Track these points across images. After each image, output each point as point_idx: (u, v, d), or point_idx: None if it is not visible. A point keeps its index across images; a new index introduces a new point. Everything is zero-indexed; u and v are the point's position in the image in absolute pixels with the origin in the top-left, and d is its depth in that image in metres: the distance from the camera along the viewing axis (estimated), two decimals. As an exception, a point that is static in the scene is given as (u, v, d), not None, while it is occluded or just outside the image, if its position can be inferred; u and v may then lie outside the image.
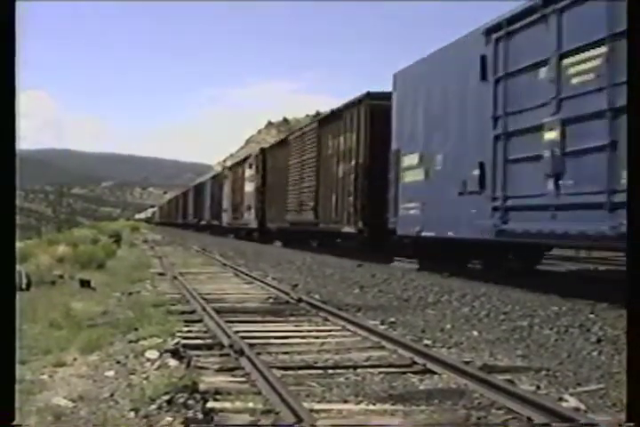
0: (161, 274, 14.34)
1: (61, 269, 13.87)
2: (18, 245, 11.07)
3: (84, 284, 11.34)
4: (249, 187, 32.56)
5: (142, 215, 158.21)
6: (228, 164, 59.14)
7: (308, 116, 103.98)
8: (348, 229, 17.61)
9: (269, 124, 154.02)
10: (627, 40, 3.80)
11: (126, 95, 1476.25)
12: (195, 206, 57.18)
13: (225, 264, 17.10)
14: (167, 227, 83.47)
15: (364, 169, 16.77)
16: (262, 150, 31.57)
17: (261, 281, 12.39)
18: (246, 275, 13.78)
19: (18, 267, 10.23)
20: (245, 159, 35.25)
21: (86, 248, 17.96)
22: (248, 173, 33.19)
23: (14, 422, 3.20)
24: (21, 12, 3.36)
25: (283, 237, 27.53)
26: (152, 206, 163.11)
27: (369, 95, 16.97)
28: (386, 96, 15.54)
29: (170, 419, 4.09)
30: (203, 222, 49.67)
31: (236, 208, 35.69)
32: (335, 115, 19.67)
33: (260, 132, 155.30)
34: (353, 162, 17.52)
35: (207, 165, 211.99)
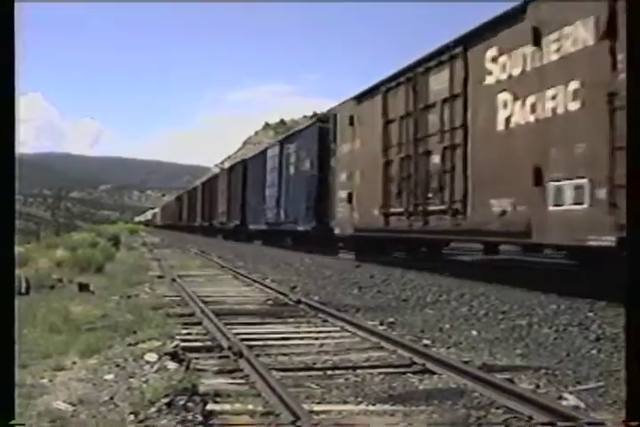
0: (160, 277, 14.33)
1: (60, 272, 13.86)
2: (17, 249, 11.07)
3: (83, 287, 11.33)
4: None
5: (141, 218, 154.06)
6: (226, 165, 58.34)
7: (305, 117, 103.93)
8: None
9: (266, 125, 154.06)
10: (626, 40, 3.79)
11: (123, 98, 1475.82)
12: (204, 206, 48.76)
13: (223, 266, 17.11)
14: (170, 230, 74.36)
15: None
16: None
17: (260, 283, 12.40)
18: (245, 277, 13.79)
19: (17, 271, 10.23)
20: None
21: (85, 252, 17.93)
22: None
23: (14, 422, 3.20)
24: (21, 12, 3.37)
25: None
26: (152, 208, 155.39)
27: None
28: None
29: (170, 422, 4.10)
30: (218, 225, 40.90)
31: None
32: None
33: (257, 133, 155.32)
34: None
35: (205, 168, 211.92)
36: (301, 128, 23.94)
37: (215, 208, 41.94)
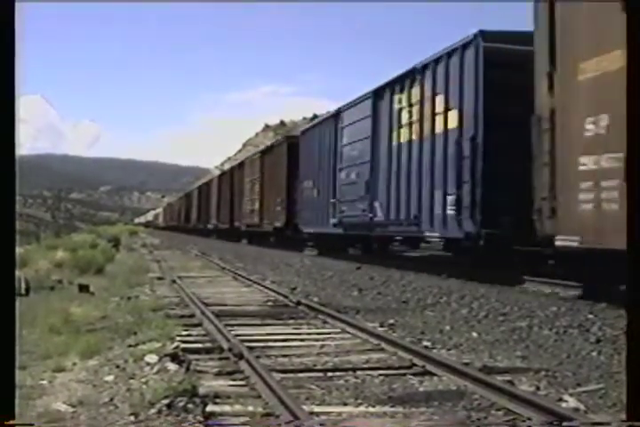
0: (160, 278, 14.33)
1: (60, 274, 13.86)
2: (17, 250, 11.06)
3: (83, 289, 11.33)
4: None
5: (142, 219, 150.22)
6: (226, 167, 57.51)
7: (305, 118, 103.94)
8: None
9: (266, 127, 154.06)
10: (626, 41, 3.79)
11: (124, 100, 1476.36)
12: (221, 205, 39.57)
13: (224, 268, 17.11)
14: (174, 232, 66.34)
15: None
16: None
17: (260, 284, 12.39)
18: (245, 278, 13.78)
19: (17, 272, 10.22)
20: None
21: (85, 253, 17.93)
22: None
23: (14, 422, 3.20)
24: (22, 13, 3.38)
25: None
26: (153, 209, 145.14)
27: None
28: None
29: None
30: (244, 227, 32.27)
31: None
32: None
33: (257, 135, 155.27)
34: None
35: (205, 169, 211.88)
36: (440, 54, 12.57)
37: (239, 205, 33.22)
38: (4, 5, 3.28)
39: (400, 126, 14.11)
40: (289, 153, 24.18)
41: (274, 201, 25.77)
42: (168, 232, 70.07)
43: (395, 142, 14.40)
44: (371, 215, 15.47)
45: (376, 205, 15.28)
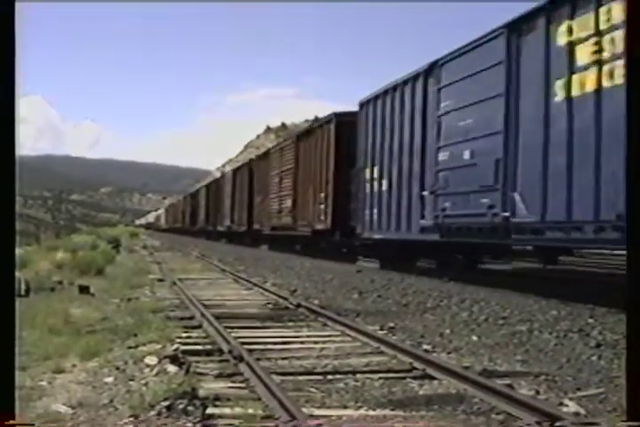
0: (160, 280, 14.33)
1: (60, 275, 13.85)
2: (17, 251, 11.06)
3: (83, 290, 11.33)
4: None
5: (142, 221, 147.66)
6: (227, 169, 56.86)
7: (307, 121, 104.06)
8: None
9: (268, 129, 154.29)
10: (625, 42, 3.79)
11: (125, 101, 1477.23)
12: (235, 204, 34.10)
13: (224, 270, 17.10)
14: (177, 235, 61.99)
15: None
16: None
17: (260, 287, 12.39)
18: (246, 280, 13.78)
19: (17, 273, 10.22)
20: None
21: (85, 254, 17.95)
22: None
23: (14, 423, 3.19)
24: (22, 13, 3.38)
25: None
26: (156, 210, 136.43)
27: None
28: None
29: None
30: (267, 230, 27.22)
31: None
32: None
33: (258, 137, 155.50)
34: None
35: (206, 171, 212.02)
36: None
37: (262, 204, 27.64)
38: (3, 5, 3.29)
39: (572, 71, 9.05)
40: (338, 135, 18.76)
41: (314, 198, 20.29)
42: (172, 235, 67.20)
43: (559, 97, 9.29)
44: (505, 214, 10.32)
45: (516, 198, 10.08)
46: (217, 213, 40.27)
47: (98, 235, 35.90)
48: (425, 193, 13.00)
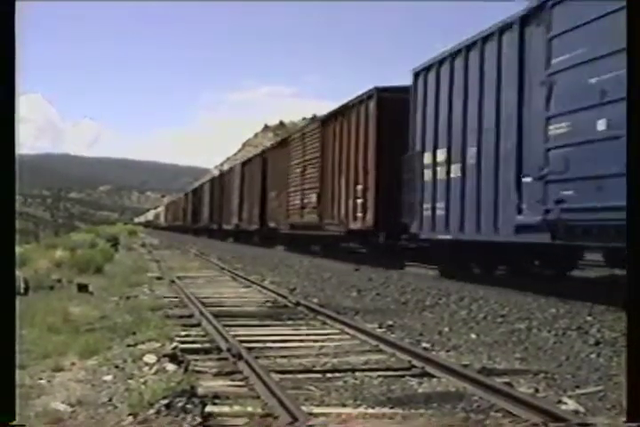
0: (159, 278, 14.33)
1: (59, 273, 13.84)
2: (16, 249, 11.04)
3: (82, 288, 11.32)
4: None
5: (141, 219, 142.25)
6: (226, 167, 56.28)
7: (304, 119, 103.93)
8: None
9: (266, 127, 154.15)
10: (626, 42, 3.79)
11: (123, 99, 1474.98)
12: (244, 200, 30.76)
13: (223, 268, 17.10)
14: (178, 234, 59.19)
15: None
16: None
17: (259, 285, 12.39)
18: (244, 279, 13.78)
19: (16, 272, 10.21)
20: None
21: (84, 252, 17.94)
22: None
23: (14, 423, 3.20)
24: (22, 11, 3.38)
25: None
26: (155, 207, 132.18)
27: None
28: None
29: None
30: (285, 229, 23.96)
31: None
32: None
33: (256, 135, 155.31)
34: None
35: (205, 169, 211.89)
36: None
37: (279, 200, 24.07)
38: (3, 5, 3.29)
39: None
40: (380, 114, 15.51)
41: (348, 191, 17.19)
42: (172, 233, 65.32)
43: None
44: None
45: None
46: (223, 210, 36.83)
47: (97, 233, 35.90)
48: (527, 179, 9.85)
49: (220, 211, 38.09)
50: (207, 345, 6.46)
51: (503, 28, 10.75)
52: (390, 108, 15.13)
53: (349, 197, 17.00)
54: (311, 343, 6.68)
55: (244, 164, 32.75)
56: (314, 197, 19.86)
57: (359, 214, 16.18)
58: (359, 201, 16.24)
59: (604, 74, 8.19)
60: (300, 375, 5.29)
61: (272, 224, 25.22)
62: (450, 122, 12.26)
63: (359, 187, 16.33)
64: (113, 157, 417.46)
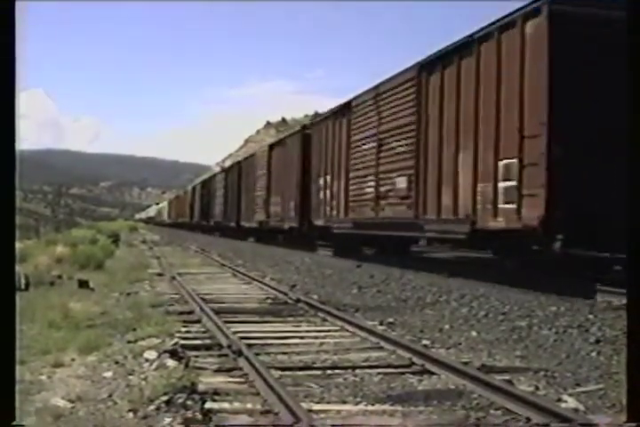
0: (159, 274, 14.34)
1: (60, 269, 13.86)
2: (17, 245, 11.04)
3: (83, 284, 11.33)
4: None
5: (142, 215, 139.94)
6: (227, 163, 56.08)
7: (306, 116, 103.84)
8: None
9: (268, 124, 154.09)
10: (627, 41, 3.78)
11: (124, 95, 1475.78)
12: (272, 193, 24.97)
13: (223, 265, 17.10)
14: (185, 232, 52.70)
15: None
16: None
17: (260, 281, 12.39)
18: (245, 275, 13.78)
19: (16, 268, 10.21)
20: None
21: (85, 248, 17.94)
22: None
23: (14, 423, 3.19)
24: (22, 8, 3.37)
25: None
26: (157, 203, 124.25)
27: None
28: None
29: (169, 419, 4.09)
30: (346, 227, 17.25)
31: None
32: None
33: (258, 132, 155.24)
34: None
35: (206, 166, 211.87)
36: None
37: (333, 188, 18.02)
38: (4, 1, 3.28)
39: None
40: (556, 38, 9.24)
41: (482, 169, 10.90)
42: (174, 230, 60.27)
43: None
44: None
45: None
46: (242, 204, 30.66)
47: (97, 229, 35.88)
48: None
49: (237, 206, 31.63)
50: (208, 342, 6.47)
51: None
52: (573, 30, 9.34)
53: (483, 178, 10.90)
54: (311, 340, 6.68)
55: (271, 146, 26.54)
56: (403, 182, 14.01)
57: (506, 206, 10.31)
58: (507, 184, 10.28)
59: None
60: (300, 372, 5.30)
61: (318, 221, 19.57)
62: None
63: (505, 162, 10.31)
64: (114, 153, 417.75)
